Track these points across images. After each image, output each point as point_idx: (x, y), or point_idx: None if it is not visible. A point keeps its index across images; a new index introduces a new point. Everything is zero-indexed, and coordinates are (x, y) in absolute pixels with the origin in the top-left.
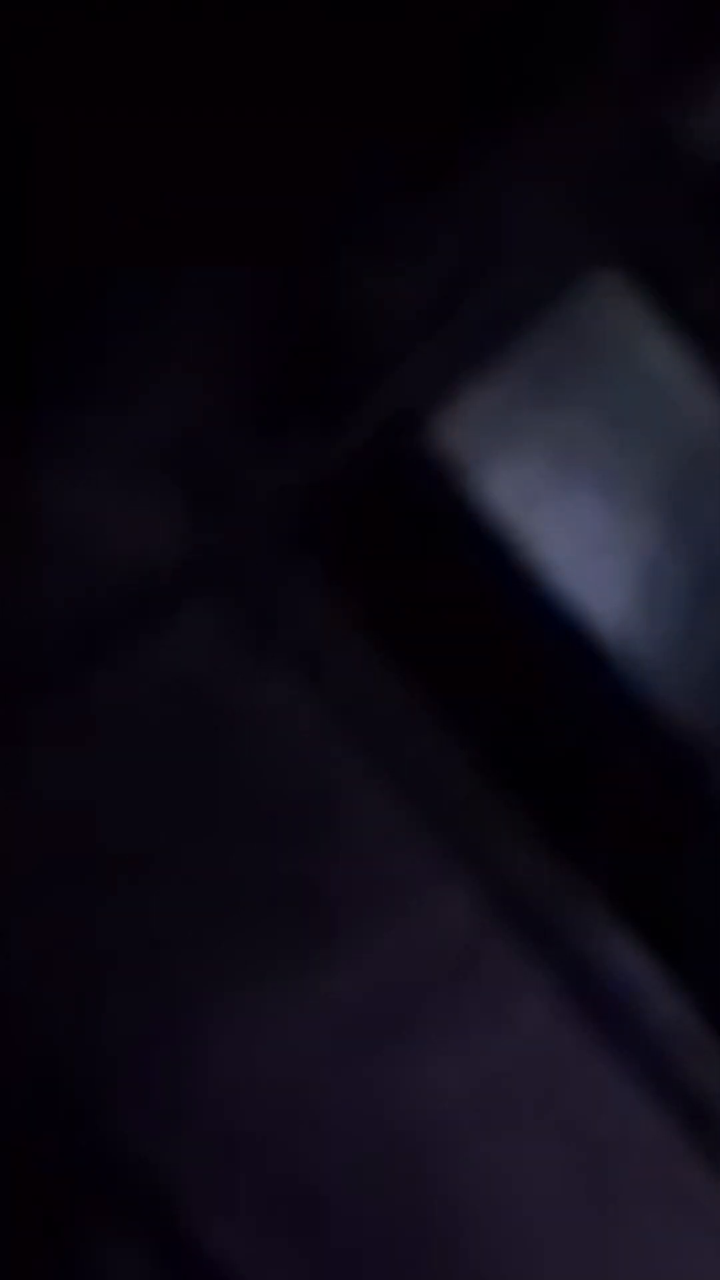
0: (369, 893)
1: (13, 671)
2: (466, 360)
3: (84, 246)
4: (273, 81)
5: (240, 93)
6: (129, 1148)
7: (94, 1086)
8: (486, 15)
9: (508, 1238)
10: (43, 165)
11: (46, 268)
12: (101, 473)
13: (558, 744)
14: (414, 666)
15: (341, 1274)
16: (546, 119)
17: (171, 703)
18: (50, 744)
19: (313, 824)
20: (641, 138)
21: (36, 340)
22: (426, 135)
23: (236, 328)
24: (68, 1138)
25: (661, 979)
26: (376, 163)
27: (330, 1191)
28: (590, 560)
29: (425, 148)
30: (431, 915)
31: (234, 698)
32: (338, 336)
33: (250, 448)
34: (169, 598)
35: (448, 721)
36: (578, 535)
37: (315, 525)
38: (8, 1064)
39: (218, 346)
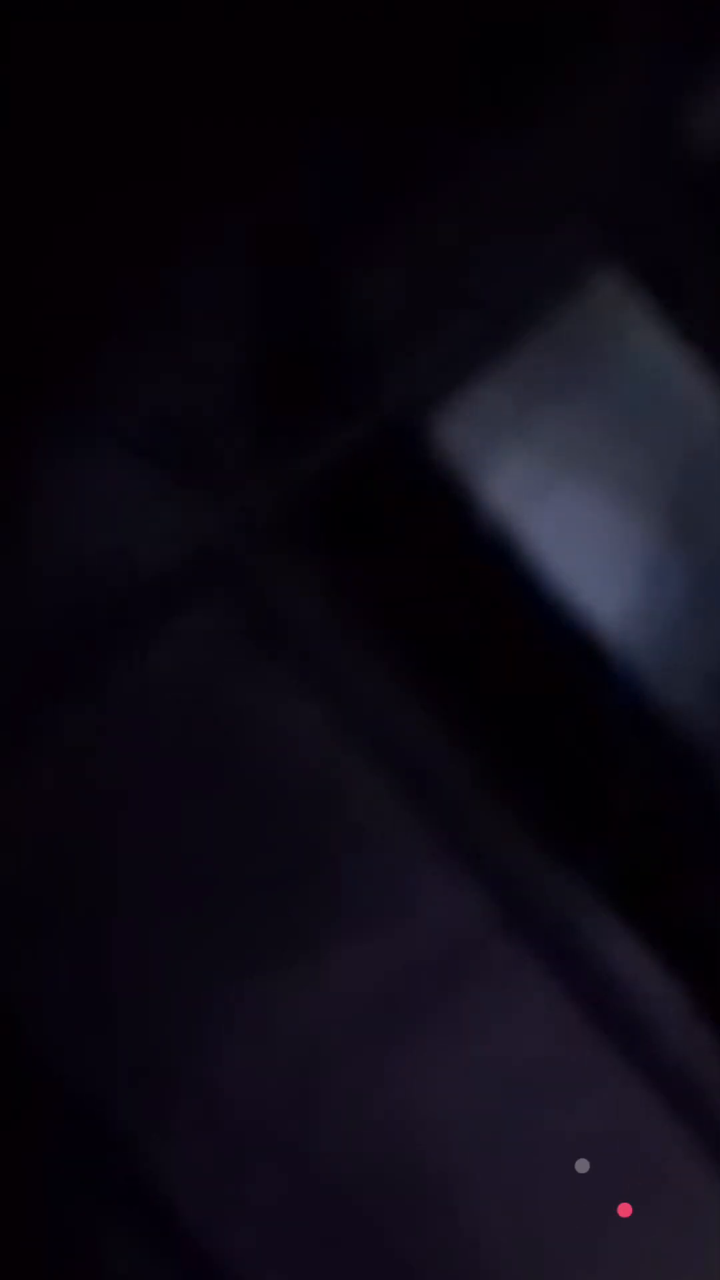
0: (370, 891)
1: (12, 673)
2: (466, 360)
3: (82, 246)
4: (270, 80)
5: (238, 92)
6: (128, 1146)
7: (94, 1084)
8: (487, 14)
9: (510, 1235)
10: (41, 165)
11: (45, 267)
12: (102, 473)
13: (558, 743)
14: (414, 666)
15: (343, 1271)
16: (546, 118)
17: (171, 702)
18: (51, 744)
19: (313, 823)
20: (641, 137)
21: (36, 341)
22: (426, 134)
23: (236, 327)
24: (67, 1136)
25: (663, 977)
26: (376, 162)
27: (331, 1189)
28: (590, 560)
29: (425, 146)
30: (433, 914)
31: (234, 697)
32: (337, 336)
33: (250, 447)
34: (169, 598)
35: (448, 720)
36: (578, 535)
37: (315, 525)
38: (7, 1062)
39: (217, 346)
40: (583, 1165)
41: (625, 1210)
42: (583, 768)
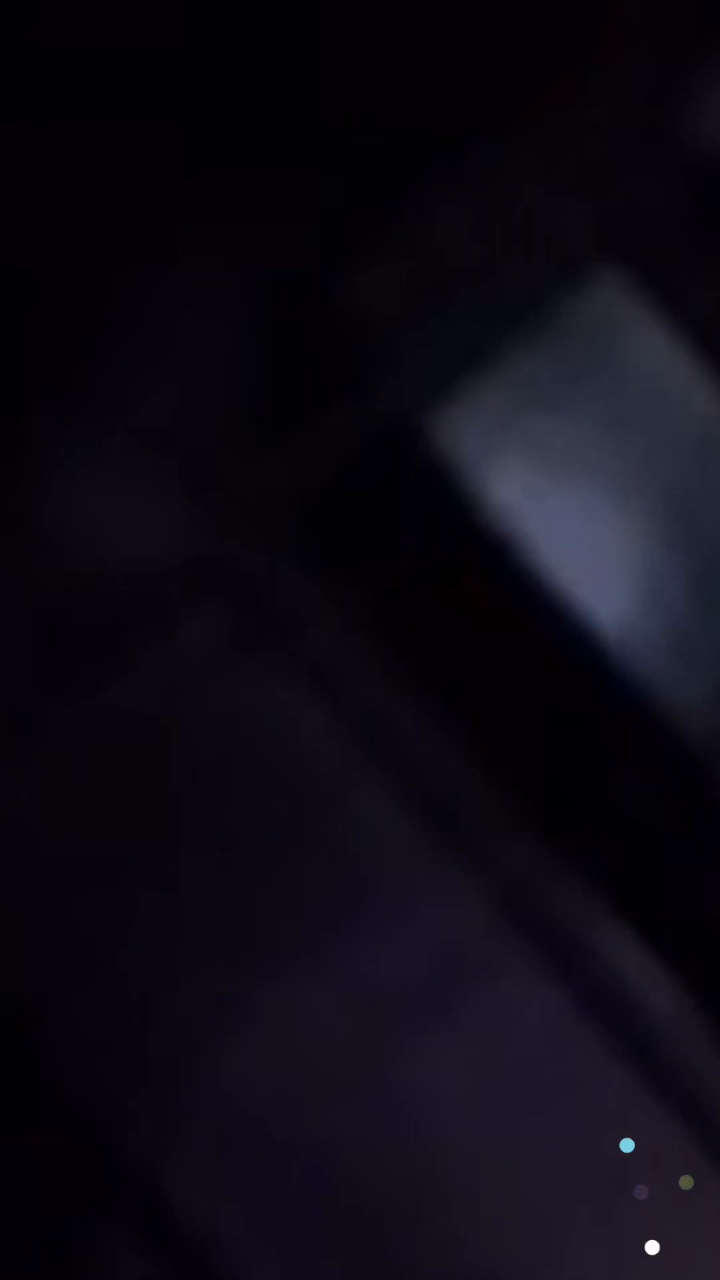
0: (369, 892)
1: (14, 674)
2: (466, 360)
3: (83, 247)
4: (270, 80)
5: (237, 93)
6: (128, 1146)
7: (93, 1084)
8: (485, 15)
9: (510, 1236)
10: (43, 163)
11: (46, 268)
12: (101, 473)
13: (558, 742)
14: (414, 666)
15: (343, 1271)
16: (546, 118)
17: (172, 703)
18: (52, 745)
19: (313, 823)
20: (641, 137)
21: (36, 341)
22: (426, 134)
23: (236, 328)
24: (67, 1136)
25: (663, 977)
26: (375, 161)
27: (332, 1191)
28: (590, 560)
29: (424, 146)
30: (432, 914)
31: (234, 697)
32: (337, 336)
33: (250, 448)
34: (169, 598)
35: (448, 720)
36: (578, 535)
37: (315, 525)
38: (6, 1059)
39: (217, 347)
40: (627, 1145)
41: (624, 1208)
42: (583, 767)
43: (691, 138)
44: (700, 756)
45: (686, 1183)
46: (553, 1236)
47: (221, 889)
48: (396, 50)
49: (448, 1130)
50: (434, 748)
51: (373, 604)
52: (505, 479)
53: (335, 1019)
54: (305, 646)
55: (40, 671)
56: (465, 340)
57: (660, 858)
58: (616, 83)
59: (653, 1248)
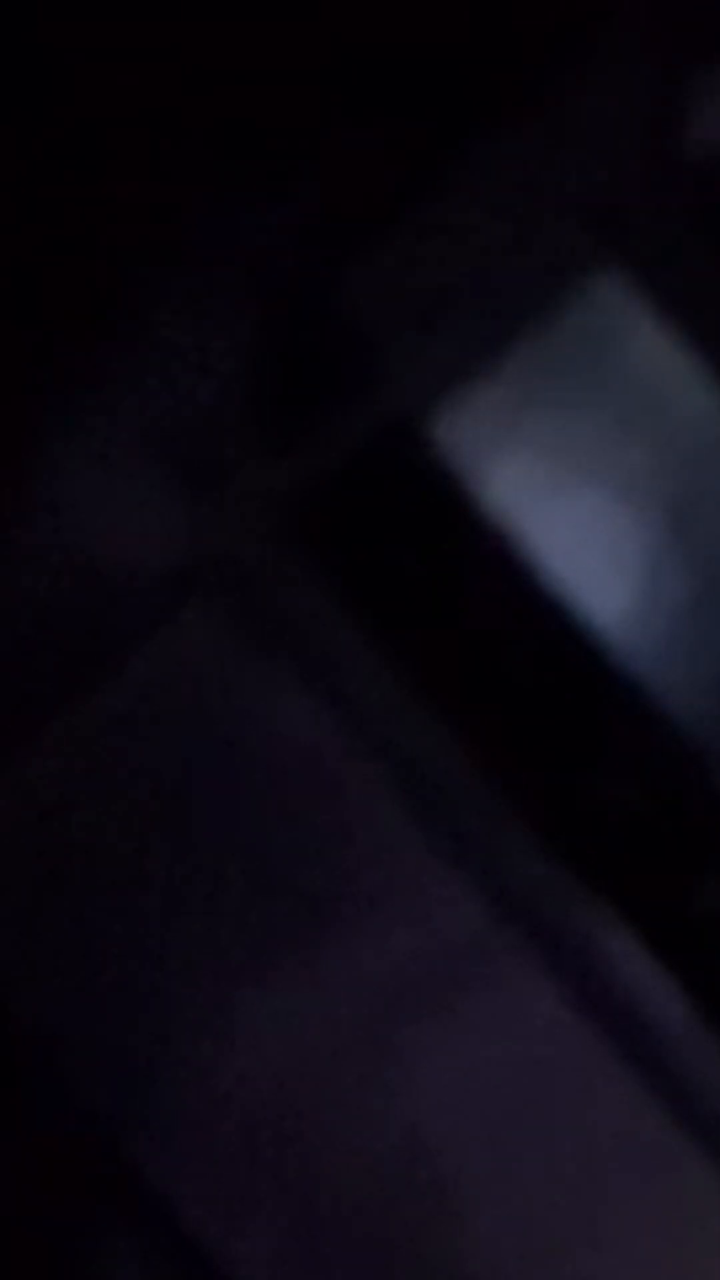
0: (369, 892)
1: (14, 671)
2: (466, 360)
3: (83, 247)
4: (271, 82)
5: (238, 94)
6: (128, 1146)
7: (93, 1084)
8: (486, 14)
9: (509, 1237)
10: (45, 165)
11: (46, 268)
12: (101, 473)
13: (558, 742)
14: (414, 665)
15: (343, 1271)
16: (546, 119)
17: (171, 703)
18: (53, 745)
19: (313, 824)
20: (641, 137)
21: (37, 341)
22: (426, 134)
23: (236, 327)
24: (67, 1137)
25: (663, 979)
26: (375, 162)
27: (332, 1191)
28: (590, 560)
29: (424, 147)
30: (432, 915)
31: (234, 698)
32: (337, 336)
33: (250, 447)
34: (169, 598)
35: (448, 720)
36: (578, 535)
37: (315, 525)
38: (7, 1064)
39: (217, 346)
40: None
41: (624, 1210)
42: (583, 767)
43: (691, 138)
44: (700, 756)
45: None
46: (553, 1236)
47: (220, 887)
48: (396, 49)
49: (447, 1130)
50: (433, 746)
51: (373, 603)
52: (505, 479)
53: (335, 1018)
54: (305, 645)
55: (40, 672)
56: (465, 340)
57: (660, 857)
58: (616, 83)
59: None
